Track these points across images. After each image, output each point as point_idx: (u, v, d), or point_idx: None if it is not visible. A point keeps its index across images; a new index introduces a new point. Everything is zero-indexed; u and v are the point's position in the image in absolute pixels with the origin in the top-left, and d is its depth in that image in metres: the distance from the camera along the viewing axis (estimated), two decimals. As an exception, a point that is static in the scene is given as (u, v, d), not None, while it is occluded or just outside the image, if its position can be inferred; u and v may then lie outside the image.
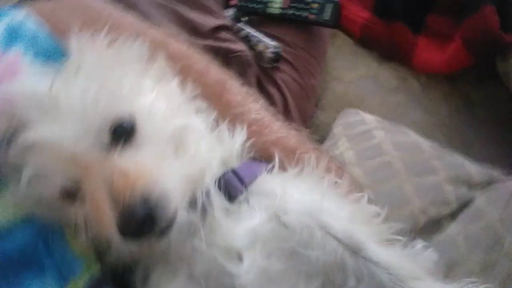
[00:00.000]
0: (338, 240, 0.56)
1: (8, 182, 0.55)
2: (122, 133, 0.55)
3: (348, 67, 1.34)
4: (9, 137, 0.53)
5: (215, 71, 0.76)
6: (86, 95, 0.54)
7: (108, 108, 0.55)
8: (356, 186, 0.72)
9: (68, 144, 0.52)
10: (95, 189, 0.51)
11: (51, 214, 0.56)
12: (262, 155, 0.71)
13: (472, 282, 0.58)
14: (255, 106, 0.75)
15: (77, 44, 0.62)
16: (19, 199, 0.54)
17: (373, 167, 0.97)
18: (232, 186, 0.61)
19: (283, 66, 1.14)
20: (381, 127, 1.08)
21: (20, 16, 0.67)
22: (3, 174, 0.55)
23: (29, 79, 0.57)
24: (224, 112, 0.71)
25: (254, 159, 0.70)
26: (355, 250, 0.56)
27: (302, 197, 0.61)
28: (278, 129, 0.74)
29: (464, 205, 0.91)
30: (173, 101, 0.64)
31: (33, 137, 0.52)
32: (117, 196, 0.50)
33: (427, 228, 0.87)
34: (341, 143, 1.07)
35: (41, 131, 0.52)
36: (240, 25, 1.16)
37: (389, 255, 0.56)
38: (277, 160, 0.66)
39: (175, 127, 0.61)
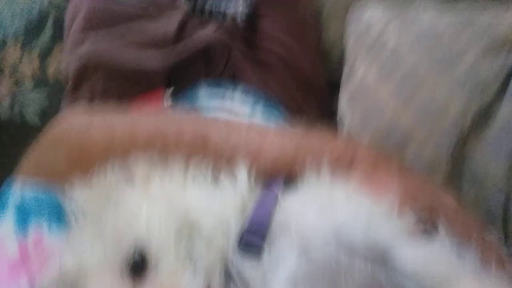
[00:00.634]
0: (364, 256, 0.55)
1: None
2: (138, 267, 0.58)
3: None
4: None
5: (190, 124, 0.74)
6: (100, 252, 0.59)
7: (117, 253, 0.59)
8: (372, 162, 0.69)
9: None
10: None
11: None
12: (267, 177, 0.69)
13: None
14: (240, 137, 0.71)
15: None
16: None
17: (398, 82, 0.89)
18: (251, 246, 0.61)
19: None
20: (390, 20, 0.96)
21: (19, 189, 0.73)
22: None
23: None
24: (217, 158, 0.70)
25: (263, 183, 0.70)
26: (382, 260, 0.55)
27: (316, 220, 0.60)
28: (271, 146, 0.71)
29: (507, 77, 0.80)
30: (165, 202, 0.64)
31: None
32: None
33: (476, 127, 0.80)
34: (358, 64, 0.99)
35: None
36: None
37: (417, 259, 0.54)
38: (280, 185, 0.66)
39: (180, 226, 0.61)
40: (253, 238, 0.63)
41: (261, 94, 0.98)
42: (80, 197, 0.67)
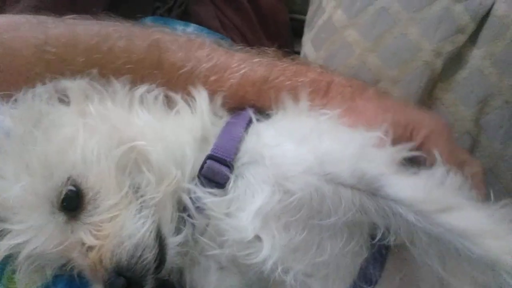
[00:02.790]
0: (351, 186, 0.51)
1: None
2: (71, 202, 0.52)
3: None
4: None
5: (140, 35, 0.63)
6: (25, 188, 0.51)
7: (46, 188, 0.52)
8: (350, 91, 0.63)
9: (35, 239, 0.51)
10: (78, 266, 0.53)
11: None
12: (236, 102, 0.63)
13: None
14: (203, 52, 0.64)
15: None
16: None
17: (367, 22, 0.84)
18: (215, 174, 0.56)
19: None
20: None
21: None
22: None
23: None
24: (172, 80, 0.62)
25: (230, 110, 0.63)
26: (372, 191, 0.51)
27: (296, 152, 0.55)
28: (238, 64, 0.63)
29: (482, 21, 0.77)
30: (105, 126, 0.55)
31: (10, 244, 0.52)
32: (94, 274, 0.51)
33: (448, 69, 0.77)
34: (325, 2, 0.92)
35: (13, 239, 0.52)
36: None
37: (410, 186, 0.50)
38: (249, 113, 0.59)
39: (117, 157, 0.54)
40: (216, 166, 0.56)
41: (216, 34, 0.89)
42: (4, 115, 0.56)
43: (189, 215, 0.55)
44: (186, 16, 0.91)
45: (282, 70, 0.63)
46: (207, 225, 0.55)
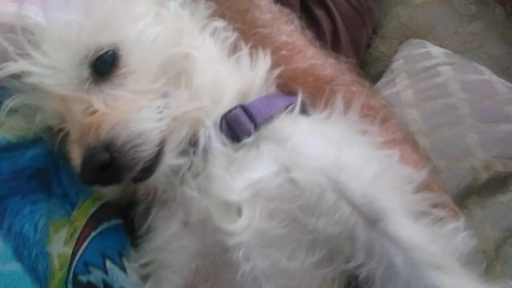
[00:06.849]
0: (354, 205, 0.47)
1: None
2: (105, 66, 0.48)
3: (417, -12, 1.14)
4: None
5: None
6: (70, 25, 0.47)
7: (91, 38, 0.48)
8: (403, 136, 0.61)
9: (48, 78, 0.46)
10: (70, 126, 0.47)
11: (52, 141, 0.51)
12: (291, 85, 0.60)
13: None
14: (287, 28, 0.63)
15: None
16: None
17: (433, 110, 0.84)
18: (238, 123, 0.51)
19: None
20: (450, 63, 0.93)
21: None
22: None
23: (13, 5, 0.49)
24: (248, 32, 0.60)
25: (280, 91, 0.60)
26: (372, 221, 0.46)
27: (320, 148, 0.51)
28: (313, 55, 0.62)
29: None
30: (175, 25, 0.54)
31: (14, 69, 0.47)
32: (83, 138, 0.44)
33: (489, 187, 0.75)
34: (400, 79, 0.93)
35: (22, 63, 0.46)
36: None
37: (412, 232, 0.46)
38: (299, 97, 0.56)
39: (170, 56, 0.51)
40: (243, 117, 0.52)
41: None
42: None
43: (194, 152, 0.51)
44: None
45: (349, 81, 0.61)
46: (202, 170, 0.50)
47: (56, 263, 0.47)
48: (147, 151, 0.46)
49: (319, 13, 0.93)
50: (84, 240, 0.50)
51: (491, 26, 1.07)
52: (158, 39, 0.51)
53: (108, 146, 0.44)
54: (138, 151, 0.45)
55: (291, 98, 0.57)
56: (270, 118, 0.53)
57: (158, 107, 0.48)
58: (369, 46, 1.07)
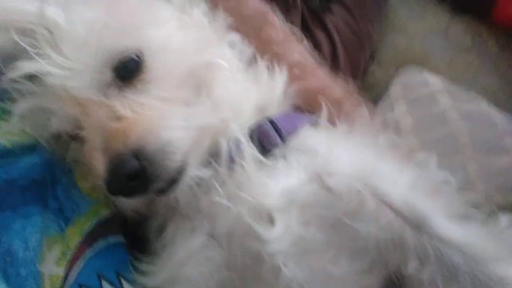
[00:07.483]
0: (396, 211, 0.46)
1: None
2: (127, 70, 0.46)
3: (414, 17, 1.14)
4: (6, 59, 0.45)
5: (254, 2, 0.65)
6: (92, 26, 0.45)
7: (114, 41, 0.46)
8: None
9: (66, 79, 0.44)
10: (90, 132, 0.45)
11: (57, 150, 0.49)
12: (304, 104, 0.61)
13: None
14: (298, 47, 0.64)
15: None
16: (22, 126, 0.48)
17: (432, 139, 0.83)
18: (267, 137, 0.51)
19: (335, 7, 0.97)
20: (448, 92, 0.93)
21: None
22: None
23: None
24: (263, 49, 0.61)
25: (294, 108, 0.60)
26: (417, 225, 0.46)
27: (352, 157, 0.51)
28: (324, 75, 0.63)
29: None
30: (198, 33, 0.53)
31: (31, 68, 0.44)
32: (109, 145, 0.42)
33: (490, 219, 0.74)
34: (398, 106, 0.93)
35: (39, 63, 0.43)
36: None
37: (462, 231, 0.46)
38: (324, 111, 0.55)
39: (194, 64, 0.50)
40: (271, 130, 0.53)
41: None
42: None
43: (216, 161, 0.49)
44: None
45: (358, 101, 0.62)
46: (228, 179, 0.49)
47: (47, 285, 0.43)
48: (175, 160, 0.44)
49: (320, 35, 0.93)
50: (78, 259, 0.46)
51: (485, 59, 1.09)
52: (183, 46, 0.50)
53: (138, 154, 0.41)
54: (167, 160, 0.43)
55: (310, 116, 0.58)
56: (295, 132, 0.53)
57: (184, 115, 0.46)
58: (365, 71, 1.07)
